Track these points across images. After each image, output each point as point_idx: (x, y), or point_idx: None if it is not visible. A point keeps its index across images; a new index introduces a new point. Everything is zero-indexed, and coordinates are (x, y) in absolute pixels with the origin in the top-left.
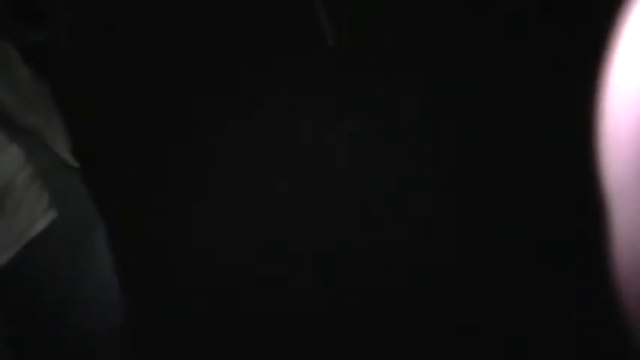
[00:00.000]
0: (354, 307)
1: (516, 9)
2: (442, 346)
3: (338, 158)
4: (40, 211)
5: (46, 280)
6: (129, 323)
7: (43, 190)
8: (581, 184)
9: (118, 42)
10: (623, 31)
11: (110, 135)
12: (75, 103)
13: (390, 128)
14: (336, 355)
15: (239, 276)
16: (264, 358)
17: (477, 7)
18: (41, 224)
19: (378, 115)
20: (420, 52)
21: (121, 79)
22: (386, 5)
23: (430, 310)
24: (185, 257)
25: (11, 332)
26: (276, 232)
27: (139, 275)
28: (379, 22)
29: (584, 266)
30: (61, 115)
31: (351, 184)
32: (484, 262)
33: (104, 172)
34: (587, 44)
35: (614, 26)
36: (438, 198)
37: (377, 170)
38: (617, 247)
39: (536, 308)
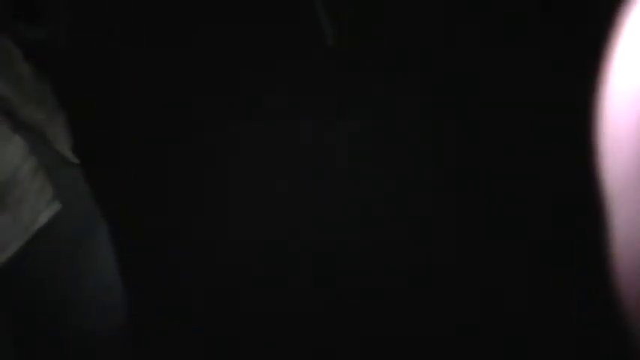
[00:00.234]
0: (354, 307)
1: (516, 9)
2: (442, 346)
3: (338, 158)
4: (45, 203)
5: (47, 279)
6: (129, 323)
7: (46, 183)
8: (581, 184)
9: (118, 42)
10: (623, 31)
11: (110, 135)
12: (75, 103)
13: (390, 128)
14: (336, 355)
15: (239, 276)
16: (264, 358)
17: (477, 7)
18: (45, 216)
19: (378, 115)
20: (420, 52)
21: (121, 79)
22: (386, 5)
23: (430, 310)
24: (185, 257)
25: (15, 332)
26: (276, 232)
27: (139, 275)
28: (379, 22)
29: (584, 266)
30: (62, 112)
31: (351, 184)
32: (484, 262)
33: (104, 172)
34: (587, 44)
35: (614, 26)
36: (438, 198)
37: (377, 170)
38: (617, 247)
39: (536, 308)
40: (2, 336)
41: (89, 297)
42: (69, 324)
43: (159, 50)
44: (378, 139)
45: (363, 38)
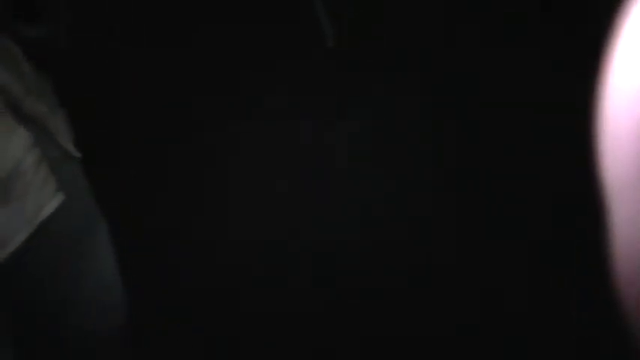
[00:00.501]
0: (354, 307)
1: (516, 9)
2: (442, 346)
3: (338, 158)
4: (48, 194)
5: (47, 278)
6: (129, 323)
7: (49, 175)
8: (581, 184)
9: (118, 42)
10: (623, 31)
11: (110, 135)
12: (75, 103)
13: (390, 128)
14: (336, 355)
15: (239, 276)
16: (264, 358)
17: (477, 7)
18: (49, 208)
19: (378, 115)
20: (420, 52)
21: (121, 79)
22: (386, 5)
23: (430, 310)
24: (185, 257)
25: (15, 332)
26: (276, 232)
27: (139, 275)
28: (379, 22)
29: (584, 266)
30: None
31: (351, 184)
32: (484, 262)
33: (104, 172)
34: (587, 44)
35: (614, 26)
36: (438, 198)
37: (377, 170)
38: (617, 247)
39: (536, 308)
40: (2, 334)
41: (89, 297)
42: (69, 324)
43: (159, 50)
44: (378, 139)
45: (363, 38)
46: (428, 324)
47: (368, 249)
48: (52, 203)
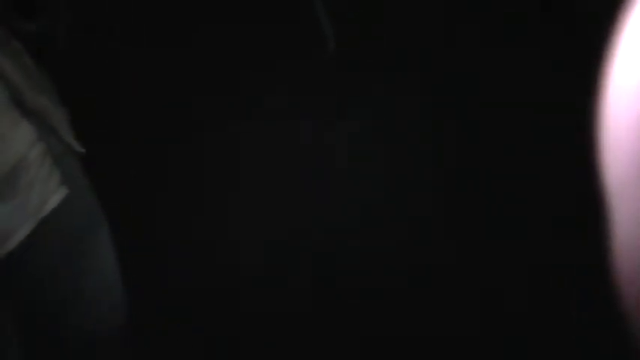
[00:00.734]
0: (354, 307)
1: (516, 9)
2: (442, 346)
3: (338, 158)
4: (53, 187)
5: (48, 276)
6: (129, 323)
7: (54, 169)
8: (581, 184)
9: (118, 42)
10: (623, 31)
11: (110, 135)
12: (75, 103)
13: (390, 128)
14: (336, 355)
15: (239, 276)
16: (264, 358)
17: (477, 7)
18: (54, 201)
19: (378, 115)
20: (420, 52)
21: (121, 79)
22: (386, 5)
23: (430, 310)
24: (185, 257)
25: (19, 332)
26: (276, 232)
27: (139, 275)
28: (379, 22)
29: (584, 266)
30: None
31: (351, 184)
32: (484, 262)
33: (104, 172)
34: (587, 44)
35: (614, 26)
36: (438, 198)
37: (377, 170)
38: (617, 247)
39: (536, 308)
40: (7, 333)
41: (90, 296)
42: (69, 323)
43: (159, 50)
44: (378, 139)
45: (363, 38)
46: (428, 324)
47: (368, 249)
48: (55, 197)
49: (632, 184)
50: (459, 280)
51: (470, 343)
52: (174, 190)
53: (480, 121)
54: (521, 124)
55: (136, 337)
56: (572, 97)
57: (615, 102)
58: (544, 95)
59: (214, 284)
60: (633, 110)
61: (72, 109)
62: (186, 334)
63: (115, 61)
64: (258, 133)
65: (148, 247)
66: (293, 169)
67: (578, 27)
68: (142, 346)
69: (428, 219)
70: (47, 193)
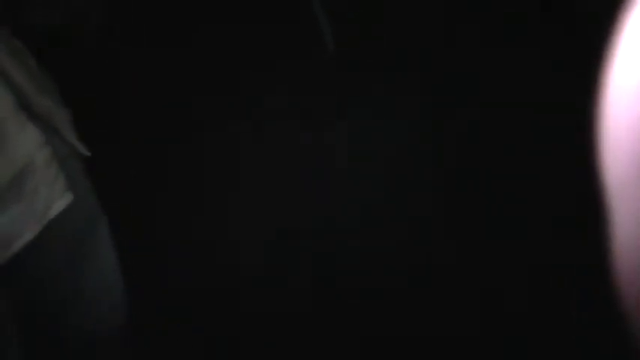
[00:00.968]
0: (354, 307)
1: (516, 9)
2: (442, 346)
3: (338, 158)
4: (58, 192)
5: (50, 278)
6: (129, 323)
7: (59, 173)
8: (581, 184)
9: (118, 42)
10: (623, 31)
11: (110, 135)
12: (76, 103)
13: (390, 128)
14: (336, 355)
15: (239, 276)
16: (264, 358)
17: (477, 7)
18: (59, 206)
19: (378, 115)
20: (420, 52)
21: (121, 79)
22: (386, 5)
23: (430, 310)
24: (185, 257)
25: (19, 332)
26: (276, 232)
27: (139, 275)
28: (379, 22)
29: (584, 266)
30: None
31: (351, 184)
32: (484, 262)
33: (104, 172)
34: (587, 44)
35: (614, 26)
36: (438, 198)
37: (377, 170)
38: (617, 247)
39: (536, 308)
40: (11, 334)
41: (90, 297)
42: (70, 324)
43: (159, 50)
44: (378, 139)
45: (363, 38)
46: (428, 324)
47: (368, 249)
48: (60, 202)
49: (632, 184)
50: (459, 280)
51: (470, 343)
52: (174, 190)
53: (480, 121)
54: (521, 124)
55: (136, 337)
56: (572, 97)
57: (615, 102)
58: (544, 95)
59: (214, 284)
60: (633, 110)
61: (73, 108)
62: (186, 334)
63: (115, 61)
64: (258, 133)
65: (148, 247)
66: (293, 169)
67: (578, 27)
68: (142, 346)
69: (428, 219)
70: (52, 197)
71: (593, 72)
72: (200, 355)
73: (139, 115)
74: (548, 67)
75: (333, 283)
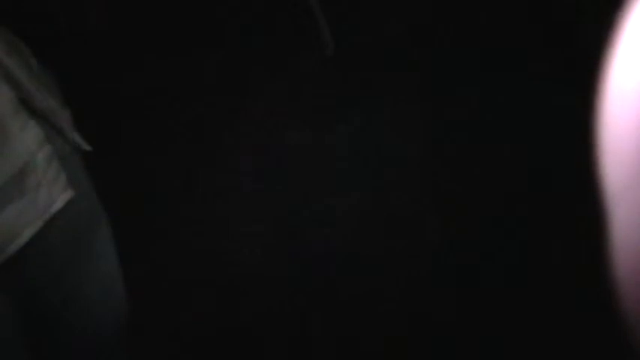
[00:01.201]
0: (354, 308)
1: (516, 9)
2: (442, 346)
3: (338, 158)
4: (59, 189)
5: (51, 277)
6: (129, 323)
7: (60, 170)
8: (581, 184)
9: (118, 42)
10: (623, 32)
11: (110, 135)
12: (75, 103)
13: (390, 128)
14: (336, 355)
15: (239, 276)
16: (264, 358)
17: (477, 7)
18: (60, 202)
19: (378, 116)
20: (420, 52)
21: (121, 78)
22: (386, 6)
23: (430, 310)
24: (185, 256)
25: (20, 331)
26: (276, 232)
27: (138, 275)
28: (379, 22)
29: (584, 266)
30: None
31: (351, 184)
32: (484, 263)
33: (103, 172)
34: (587, 45)
35: (614, 27)
36: (438, 198)
37: (377, 170)
38: (617, 248)
39: (536, 308)
40: (7, 330)
41: (91, 296)
42: (70, 323)
43: (159, 50)
44: (378, 140)
45: (363, 40)
46: (428, 324)
47: (368, 249)
48: (61, 199)
49: (632, 186)
50: (459, 280)
51: (470, 343)
52: (173, 189)
53: (480, 121)
54: (522, 124)
55: (136, 337)
56: (572, 97)
57: (615, 103)
58: (544, 95)
59: (214, 284)
60: (633, 112)
61: (72, 108)
62: (187, 334)
63: (115, 60)
64: (259, 133)
65: (148, 246)
66: (293, 169)
67: (578, 28)
68: (142, 346)
69: (428, 219)
70: (54, 194)
71: (593, 73)
72: (200, 355)
73: (140, 114)
74: (548, 67)
75: (333, 283)
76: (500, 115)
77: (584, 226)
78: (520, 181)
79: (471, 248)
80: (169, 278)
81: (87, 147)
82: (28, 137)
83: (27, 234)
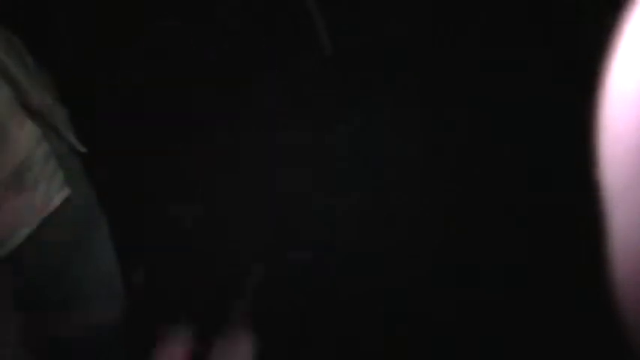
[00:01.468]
0: (354, 307)
1: (517, 9)
2: (442, 346)
3: (338, 158)
4: (57, 187)
5: (48, 276)
6: (128, 322)
7: (58, 169)
8: (582, 184)
9: (118, 42)
10: (623, 32)
11: (109, 135)
12: (74, 102)
13: (390, 128)
14: (336, 355)
15: (239, 276)
16: (264, 358)
17: (478, 7)
18: (57, 200)
19: (378, 116)
20: (420, 52)
21: (120, 79)
22: (385, 6)
23: (430, 310)
24: (185, 257)
25: (18, 330)
26: (276, 232)
27: (138, 275)
28: (379, 22)
29: (584, 266)
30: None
31: (351, 184)
32: (484, 262)
33: (103, 172)
34: (587, 45)
35: (614, 26)
36: (439, 198)
37: (377, 170)
38: (617, 247)
39: (536, 308)
40: (7, 330)
41: (89, 295)
42: (68, 323)
43: (158, 50)
44: (378, 140)
45: (363, 40)
46: (428, 324)
47: (368, 250)
48: (59, 196)
49: (631, 186)
50: (459, 279)
51: (470, 343)
52: (173, 190)
53: (480, 121)
54: (521, 124)
55: (136, 336)
56: (572, 97)
57: (615, 103)
58: (544, 95)
59: (214, 285)
60: (633, 112)
61: (72, 108)
62: (187, 334)
63: (114, 60)
64: (259, 133)
65: (148, 246)
66: (293, 169)
67: (578, 27)
68: (142, 346)
69: (427, 219)
70: (51, 192)
71: (593, 73)
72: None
73: (139, 114)
74: (549, 68)
75: (334, 283)
76: (500, 115)
77: (584, 226)
78: (520, 181)
79: (471, 248)
80: (168, 278)
81: (82, 148)
82: (26, 135)
83: (24, 232)
